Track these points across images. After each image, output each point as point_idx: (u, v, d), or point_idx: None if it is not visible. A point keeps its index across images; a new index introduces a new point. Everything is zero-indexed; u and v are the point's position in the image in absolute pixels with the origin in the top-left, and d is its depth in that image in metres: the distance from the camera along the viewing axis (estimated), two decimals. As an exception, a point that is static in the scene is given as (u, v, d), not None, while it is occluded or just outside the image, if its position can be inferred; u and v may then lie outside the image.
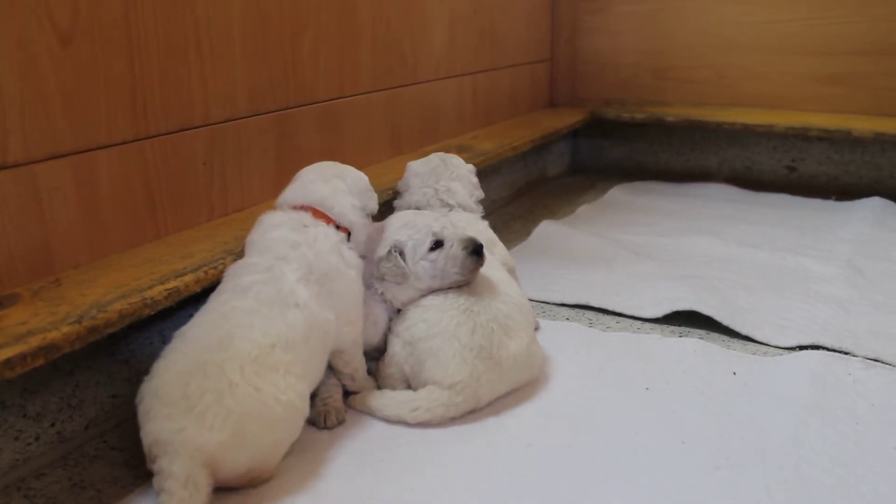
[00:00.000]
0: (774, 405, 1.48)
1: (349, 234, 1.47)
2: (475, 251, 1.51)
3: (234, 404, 1.17)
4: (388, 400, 1.45)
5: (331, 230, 1.44)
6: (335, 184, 1.50)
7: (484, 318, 1.47)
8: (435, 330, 1.46)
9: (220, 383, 1.18)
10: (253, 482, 1.24)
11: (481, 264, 1.53)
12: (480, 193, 1.94)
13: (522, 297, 1.62)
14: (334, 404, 1.44)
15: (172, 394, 1.17)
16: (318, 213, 1.45)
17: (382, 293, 1.54)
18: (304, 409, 1.29)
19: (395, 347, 1.51)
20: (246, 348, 1.22)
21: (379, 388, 1.52)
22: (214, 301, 1.33)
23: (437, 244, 1.51)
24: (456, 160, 1.93)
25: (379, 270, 1.51)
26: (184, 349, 1.24)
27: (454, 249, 1.51)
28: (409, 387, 1.50)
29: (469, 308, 1.48)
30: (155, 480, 1.12)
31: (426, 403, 1.41)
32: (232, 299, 1.30)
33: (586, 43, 3.41)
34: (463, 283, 1.53)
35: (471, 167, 1.95)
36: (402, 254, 1.51)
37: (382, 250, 1.52)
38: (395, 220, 1.57)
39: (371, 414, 1.46)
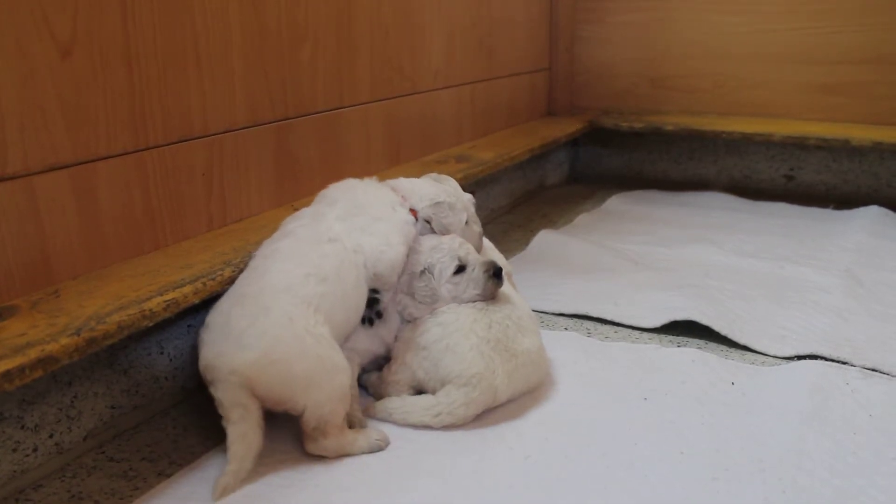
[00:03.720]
0: (773, 415, 1.48)
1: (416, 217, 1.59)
2: (495, 274, 1.56)
3: (267, 325, 1.29)
4: (410, 407, 1.47)
5: (397, 197, 1.58)
6: (418, 184, 1.66)
7: (499, 316, 1.53)
8: (451, 329, 1.49)
9: (255, 308, 1.31)
10: (313, 435, 1.34)
11: (500, 286, 1.58)
12: (478, 221, 1.83)
13: (528, 306, 1.65)
14: (355, 413, 1.46)
15: (216, 323, 1.33)
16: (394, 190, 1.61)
17: (400, 304, 1.56)
18: (341, 356, 1.36)
19: (406, 355, 1.52)
20: (280, 279, 1.35)
21: (384, 395, 1.53)
22: (260, 248, 1.47)
23: (460, 269, 1.55)
24: (452, 182, 1.86)
25: (410, 288, 1.54)
26: (231, 290, 1.39)
27: (476, 273, 1.55)
28: (415, 393, 1.52)
29: (483, 307, 1.54)
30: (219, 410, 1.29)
31: (447, 407, 1.44)
32: (275, 242, 1.45)
33: (584, 52, 3.42)
34: (480, 301, 1.56)
35: (470, 196, 1.85)
36: (432, 276, 1.55)
37: (416, 268, 1.55)
38: (426, 242, 1.59)
39: (393, 422, 1.46)
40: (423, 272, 1.55)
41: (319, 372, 1.31)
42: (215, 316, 1.35)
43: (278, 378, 1.29)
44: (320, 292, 1.36)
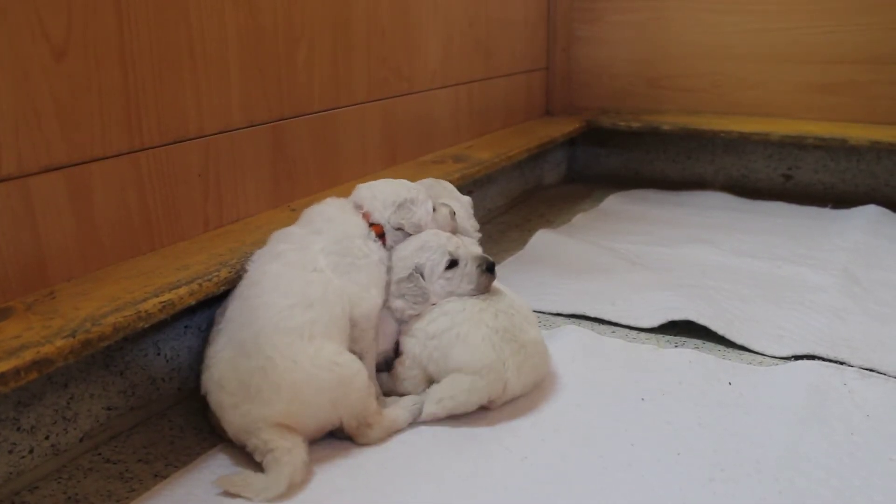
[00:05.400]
0: (770, 416, 1.48)
1: (383, 236, 1.57)
2: (488, 268, 1.55)
3: (278, 377, 1.30)
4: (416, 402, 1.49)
5: (363, 223, 1.56)
6: (377, 189, 1.62)
7: (503, 305, 1.53)
8: (459, 318, 1.49)
9: (259, 360, 1.32)
10: (359, 431, 1.39)
11: (493, 280, 1.57)
12: (476, 224, 1.86)
13: (524, 300, 1.64)
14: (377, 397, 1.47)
15: (229, 380, 1.34)
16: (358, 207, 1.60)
17: (392, 307, 1.55)
18: (350, 361, 1.37)
19: (415, 348, 1.52)
20: (269, 317, 1.34)
21: (398, 393, 1.53)
22: (252, 267, 1.46)
23: (453, 263, 1.54)
24: (448, 186, 1.87)
25: (399, 290, 1.53)
26: (226, 328, 1.39)
27: (468, 268, 1.55)
28: (429, 385, 1.51)
29: (486, 298, 1.54)
30: (258, 457, 1.30)
31: (449, 391, 1.44)
32: (265, 265, 1.44)
33: (581, 52, 3.42)
34: (475, 295, 1.56)
35: (468, 199, 1.87)
36: (421, 275, 1.54)
37: (403, 272, 1.54)
38: (411, 242, 1.58)
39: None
40: (410, 275, 1.53)
41: (340, 389, 1.34)
42: (223, 370, 1.35)
43: (308, 415, 1.33)
44: (309, 319, 1.35)
